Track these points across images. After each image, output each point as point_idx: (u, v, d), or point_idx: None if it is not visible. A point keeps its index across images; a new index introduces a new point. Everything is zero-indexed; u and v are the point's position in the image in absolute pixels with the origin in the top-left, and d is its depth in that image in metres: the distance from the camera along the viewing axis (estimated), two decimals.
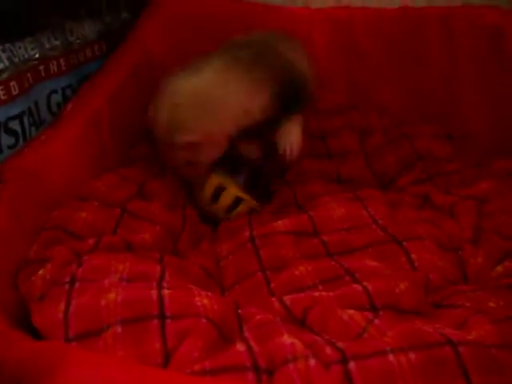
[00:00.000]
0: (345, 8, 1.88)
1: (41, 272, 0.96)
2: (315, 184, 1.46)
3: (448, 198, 1.36)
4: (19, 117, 1.28)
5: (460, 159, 1.54)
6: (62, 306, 0.86)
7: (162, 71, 1.43)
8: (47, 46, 1.41)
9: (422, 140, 1.60)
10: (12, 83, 1.25)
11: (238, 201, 1.39)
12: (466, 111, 1.74)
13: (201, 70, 1.36)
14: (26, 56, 1.33)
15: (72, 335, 0.82)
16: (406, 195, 1.41)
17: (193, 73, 1.36)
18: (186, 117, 1.31)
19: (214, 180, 1.39)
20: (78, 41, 1.55)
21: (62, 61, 1.47)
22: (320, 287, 1.05)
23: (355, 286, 1.00)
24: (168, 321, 0.84)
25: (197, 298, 0.90)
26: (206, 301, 0.90)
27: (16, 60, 1.28)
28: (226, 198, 1.38)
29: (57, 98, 1.45)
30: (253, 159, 1.48)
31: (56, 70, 1.45)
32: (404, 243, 1.15)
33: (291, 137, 1.41)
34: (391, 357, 0.76)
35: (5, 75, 1.23)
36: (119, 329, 0.81)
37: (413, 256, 1.12)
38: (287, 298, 0.97)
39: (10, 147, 1.25)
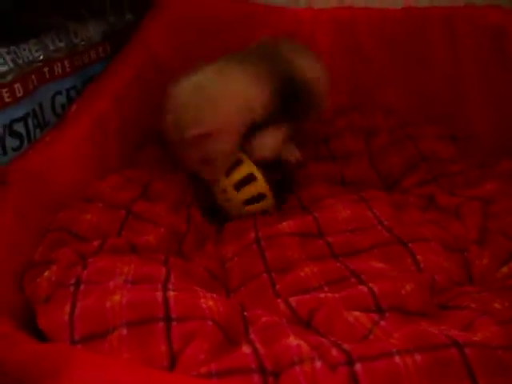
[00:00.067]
0: (348, 8, 1.88)
1: (46, 274, 0.96)
2: (319, 186, 1.46)
3: (453, 198, 1.35)
4: (24, 119, 1.28)
5: (464, 160, 1.54)
6: (68, 308, 0.86)
7: (167, 72, 1.44)
8: (51, 47, 1.41)
9: (427, 141, 1.60)
10: (16, 85, 1.26)
11: (260, 196, 1.38)
12: (469, 112, 1.74)
13: (202, 69, 1.39)
14: (31, 58, 1.33)
15: (77, 337, 0.81)
16: (410, 196, 1.41)
17: (194, 73, 1.38)
18: (191, 112, 1.33)
19: (247, 168, 1.39)
20: (83, 42, 1.56)
21: (66, 62, 1.47)
22: (325, 289, 1.04)
23: (361, 287, 1.00)
24: (174, 323, 0.83)
25: (202, 300, 0.90)
26: (211, 303, 0.90)
27: (20, 62, 1.28)
28: (252, 189, 1.37)
29: (61, 99, 1.46)
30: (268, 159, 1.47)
31: (60, 71, 1.45)
32: (409, 244, 1.15)
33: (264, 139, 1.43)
34: (397, 358, 0.76)
35: (9, 77, 1.24)
36: (125, 331, 0.81)
37: (418, 257, 1.12)
38: (293, 300, 0.97)
39: (14, 149, 1.26)
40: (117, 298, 0.86)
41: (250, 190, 1.37)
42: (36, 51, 1.35)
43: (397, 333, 0.84)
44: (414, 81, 1.82)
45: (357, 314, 0.92)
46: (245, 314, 0.95)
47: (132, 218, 1.19)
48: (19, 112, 1.27)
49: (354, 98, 1.85)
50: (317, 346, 0.81)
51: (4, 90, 1.22)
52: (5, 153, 1.23)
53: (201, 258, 1.22)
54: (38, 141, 1.26)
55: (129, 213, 1.20)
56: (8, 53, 1.24)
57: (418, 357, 0.76)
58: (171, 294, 0.89)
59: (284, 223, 1.26)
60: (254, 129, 1.41)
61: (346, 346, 0.80)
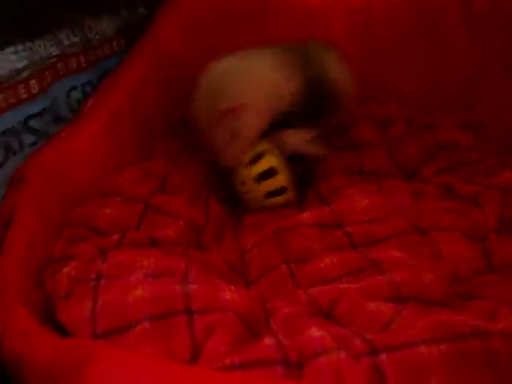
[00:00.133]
0: None
1: (66, 269, 0.96)
2: (337, 178, 1.44)
3: (472, 187, 1.34)
4: (39, 115, 1.28)
5: (483, 148, 1.52)
6: (89, 303, 0.86)
7: (180, 66, 1.44)
8: (66, 42, 1.42)
9: (444, 130, 1.58)
10: (32, 81, 1.26)
11: (283, 189, 1.37)
12: (488, 99, 1.72)
13: (235, 53, 1.44)
14: (46, 54, 1.33)
15: (99, 332, 0.82)
16: (429, 185, 1.39)
17: (227, 57, 1.43)
18: (226, 86, 1.37)
19: (273, 160, 1.38)
20: (97, 37, 1.56)
21: (81, 57, 1.48)
22: (345, 279, 1.04)
23: (381, 277, 1.00)
24: (195, 316, 0.83)
25: (223, 293, 0.90)
26: (232, 295, 0.90)
27: (36, 58, 1.28)
28: (275, 182, 1.36)
29: (76, 94, 1.46)
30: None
31: (75, 66, 1.46)
32: (429, 234, 1.15)
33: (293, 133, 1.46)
34: (422, 348, 0.75)
35: (25, 74, 1.24)
36: (147, 325, 0.81)
37: (438, 246, 1.11)
38: (313, 291, 0.97)
39: (30, 145, 1.26)
40: (138, 292, 0.86)
41: (272, 183, 1.36)
42: (51, 47, 1.35)
43: (419, 322, 0.84)
44: (430, 69, 1.81)
45: (378, 303, 0.92)
46: (266, 305, 0.95)
47: (151, 212, 1.19)
48: (35, 108, 1.27)
49: (369, 87, 1.83)
50: (339, 336, 0.81)
51: (20, 87, 1.22)
52: (21, 148, 1.24)
53: (220, 250, 1.21)
54: (54, 136, 1.27)
55: (147, 206, 1.20)
56: (24, 49, 1.25)
57: (442, 346, 0.75)
58: (192, 287, 0.89)
59: (303, 214, 1.26)
60: (280, 125, 1.43)
61: (368, 336, 0.80)
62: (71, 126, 1.30)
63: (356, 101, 1.71)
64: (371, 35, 1.84)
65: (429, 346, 0.76)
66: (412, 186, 1.40)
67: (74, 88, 1.45)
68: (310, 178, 1.48)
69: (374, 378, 0.73)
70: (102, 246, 1.04)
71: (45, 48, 1.33)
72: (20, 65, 1.23)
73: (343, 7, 1.85)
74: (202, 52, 1.44)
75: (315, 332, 0.80)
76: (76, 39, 1.46)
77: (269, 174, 1.36)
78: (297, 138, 1.44)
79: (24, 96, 1.23)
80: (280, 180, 1.36)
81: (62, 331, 0.83)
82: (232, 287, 0.95)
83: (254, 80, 1.39)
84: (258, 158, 1.38)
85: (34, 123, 1.26)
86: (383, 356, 0.75)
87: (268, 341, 0.80)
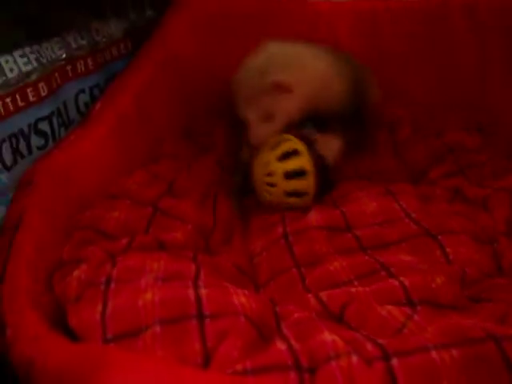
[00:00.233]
0: (368, 0, 1.87)
1: (75, 273, 0.95)
2: (346, 181, 1.45)
3: (480, 190, 1.34)
4: (48, 118, 1.29)
5: (491, 151, 1.52)
6: (99, 307, 0.85)
7: (188, 68, 1.44)
8: (74, 45, 1.42)
9: (452, 132, 1.59)
10: (41, 84, 1.26)
11: (305, 193, 1.36)
12: (495, 101, 1.72)
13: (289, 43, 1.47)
14: (54, 56, 1.33)
15: (110, 336, 0.81)
16: (437, 188, 1.39)
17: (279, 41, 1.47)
18: (278, 62, 1.40)
19: (308, 163, 1.36)
20: (104, 39, 1.56)
21: (88, 60, 1.48)
22: (356, 282, 1.04)
23: (391, 280, 0.99)
24: (207, 320, 0.83)
25: (234, 297, 0.90)
26: (243, 299, 0.90)
27: (44, 61, 1.28)
28: (303, 184, 1.35)
29: (85, 97, 1.46)
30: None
31: (83, 69, 1.46)
32: (438, 237, 1.14)
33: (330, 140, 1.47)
34: (434, 353, 0.75)
35: (34, 77, 1.24)
36: (158, 329, 0.81)
37: (448, 250, 1.11)
38: (323, 294, 0.97)
39: (39, 148, 1.26)
40: (149, 296, 0.86)
41: (300, 184, 1.35)
42: (59, 49, 1.35)
43: (430, 326, 0.84)
44: (435, 71, 1.81)
45: (389, 307, 0.91)
46: (276, 309, 0.95)
47: (159, 215, 1.19)
48: (44, 111, 1.27)
49: None
50: (351, 340, 0.81)
51: (29, 90, 1.22)
52: (30, 152, 1.24)
53: (228, 253, 1.21)
54: (63, 139, 1.27)
55: (156, 209, 1.20)
56: (32, 52, 1.25)
57: (454, 351, 0.75)
58: (203, 291, 0.89)
59: (312, 217, 1.25)
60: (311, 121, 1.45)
61: (380, 341, 0.80)
62: (79, 129, 1.30)
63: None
64: (376, 38, 1.84)
65: (440, 351, 0.75)
66: (420, 189, 1.40)
67: (82, 91, 1.45)
68: (332, 186, 1.46)
69: (386, 382, 0.73)
70: (111, 250, 1.03)
71: (52, 51, 1.33)
72: (28, 68, 1.23)
73: (348, 10, 1.86)
74: (210, 54, 1.44)
75: (327, 336, 0.80)
76: (84, 42, 1.46)
77: (299, 174, 1.35)
78: (329, 148, 1.44)
79: (33, 99, 1.23)
80: (308, 184, 1.35)
81: (72, 335, 0.83)
82: (243, 291, 0.94)
83: (308, 66, 1.42)
84: (293, 154, 1.36)
85: (42, 126, 1.26)
86: (395, 361, 0.75)
87: (280, 345, 0.80)
